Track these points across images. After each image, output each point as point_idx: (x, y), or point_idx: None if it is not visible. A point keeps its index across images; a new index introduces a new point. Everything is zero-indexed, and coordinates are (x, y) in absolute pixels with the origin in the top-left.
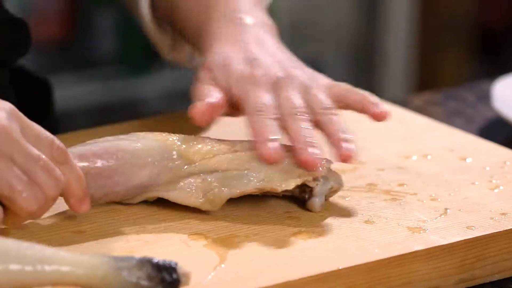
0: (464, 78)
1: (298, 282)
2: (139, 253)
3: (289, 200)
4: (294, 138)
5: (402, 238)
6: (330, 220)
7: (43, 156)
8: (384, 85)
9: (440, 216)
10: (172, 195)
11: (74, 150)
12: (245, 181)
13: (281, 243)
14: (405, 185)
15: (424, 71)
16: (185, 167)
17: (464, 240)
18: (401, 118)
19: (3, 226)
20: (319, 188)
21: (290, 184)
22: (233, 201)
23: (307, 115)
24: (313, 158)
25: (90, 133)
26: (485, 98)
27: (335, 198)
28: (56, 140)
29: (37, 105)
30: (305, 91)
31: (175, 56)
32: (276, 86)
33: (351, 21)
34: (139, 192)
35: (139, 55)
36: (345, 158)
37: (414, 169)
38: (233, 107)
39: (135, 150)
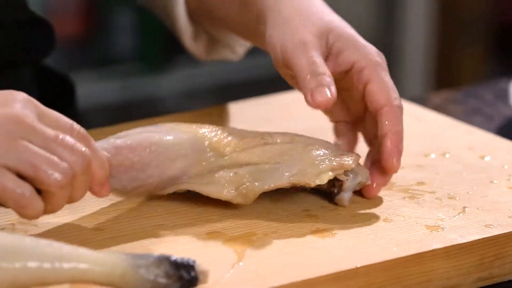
0: (482, 76)
1: (316, 280)
2: (157, 251)
3: (308, 197)
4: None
5: (421, 237)
6: (348, 218)
7: (62, 135)
8: (403, 83)
9: (458, 214)
10: (204, 189)
11: (105, 144)
12: (278, 175)
13: (299, 241)
14: (423, 184)
15: (443, 69)
16: (216, 160)
17: (483, 238)
18: (419, 116)
19: (47, 214)
20: (349, 183)
21: (323, 179)
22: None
23: None
24: None
25: (108, 131)
26: (504, 96)
27: (354, 196)
28: (76, 124)
29: (60, 103)
30: None
31: (211, 56)
32: None
33: (370, 19)
34: (170, 184)
35: (158, 53)
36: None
37: (432, 168)
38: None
39: (167, 143)
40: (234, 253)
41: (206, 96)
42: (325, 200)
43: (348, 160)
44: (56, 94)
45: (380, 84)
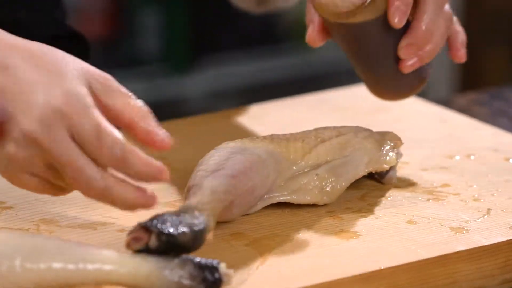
0: (508, 77)
1: (340, 281)
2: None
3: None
4: None
5: (445, 238)
6: (372, 220)
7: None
8: (428, 84)
9: (483, 216)
10: (294, 198)
11: (222, 181)
12: (353, 167)
13: (323, 243)
14: (448, 185)
15: (468, 71)
16: (292, 167)
17: (507, 240)
18: (445, 118)
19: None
20: (397, 162)
21: (393, 159)
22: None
23: None
24: None
25: None
26: None
27: (378, 198)
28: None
29: None
30: None
31: (263, 6)
32: None
33: None
34: (259, 201)
35: (183, 54)
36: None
37: (457, 169)
38: None
39: (260, 160)
40: (258, 254)
41: (231, 97)
42: (349, 202)
43: (396, 137)
44: None
45: None
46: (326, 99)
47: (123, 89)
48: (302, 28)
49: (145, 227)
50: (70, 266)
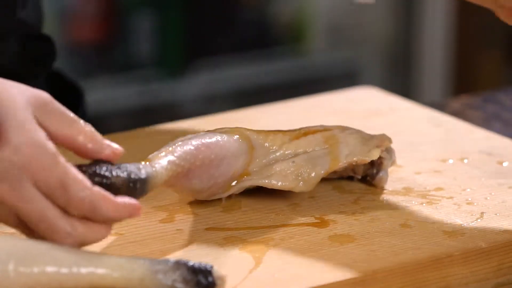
0: (501, 81)
1: (334, 285)
2: (175, 256)
3: (325, 202)
4: None
5: (438, 242)
6: (366, 224)
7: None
8: (422, 88)
9: (476, 220)
10: (267, 182)
11: (184, 145)
12: (333, 157)
13: (317, 246)
14: (441, 189)
15: (462, 74)
16: (270, 154)
17: (501, 244)
18: (438, 121)
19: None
20: (387, 161)
21: (375, 154)
22: (269, 206)
23: None
24: None
25: (127, 136)
26: None
27: (371, 202)
28: (82, 122)
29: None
30: None
31: None
32: None
33: (389, 24)
34: (231, 182)
35: (177, 58)
36: None
37: (451, 173)
38: None
39: (231, 140)
40: (252, 258)
41: (226, 101)
42: (343, 205)
43: (385, 138)
44: (65, 102)
45: None
46: (320, 102)
47: (62, 111)
48: (296, 32)
49: (80, 169)
50: (64, 270)
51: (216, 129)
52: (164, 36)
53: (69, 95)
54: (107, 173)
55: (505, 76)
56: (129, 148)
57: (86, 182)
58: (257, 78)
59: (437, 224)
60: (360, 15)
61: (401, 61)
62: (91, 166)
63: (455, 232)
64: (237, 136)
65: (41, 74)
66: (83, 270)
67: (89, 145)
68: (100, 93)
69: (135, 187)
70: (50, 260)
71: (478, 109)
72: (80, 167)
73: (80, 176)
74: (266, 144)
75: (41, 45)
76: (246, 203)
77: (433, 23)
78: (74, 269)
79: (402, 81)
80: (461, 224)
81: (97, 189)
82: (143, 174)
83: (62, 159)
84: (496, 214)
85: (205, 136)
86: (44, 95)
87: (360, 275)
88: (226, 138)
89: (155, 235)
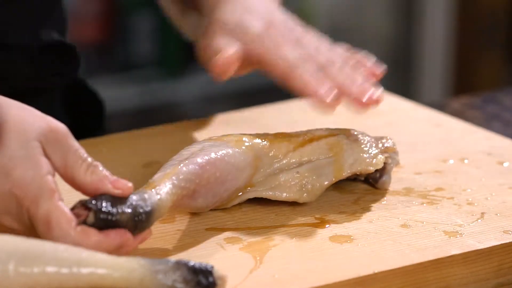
0: (501, 81)
1: (334, 285)
2: (176, 256)
3: (325, 203)
4: (342, 84)
5: (439, 242)
6: (366, 224)
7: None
8: (422, 88)
9: (477, 220)
10: (271, 194)
11: (189, 165)
12: (337, 167)
13: (317, 247)
14: (442, 189)
15: (462, 75)
16: (274, 164)
17: (501, 244)
18: (438, 121)
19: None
20: (391, 165)
21: (380, 162)
22: (269, 206)
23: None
24: (376, 97)
25: (127, 136)
26: None
27: (372, 202)
28: (90, 159)
29: (91, 122)
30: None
31: (183, 24)
32: (299, 41)
33: (389, 25)
34: (236, 195)
35: (177, 58)
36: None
37: (451, 173)
38: (244, 63)
39: (236, 154)
40: (252, 258)
41: (225, 101)
42: (343, 206)
43: (390, 143)
44: (86, 113)
45: None
46: None
47: (76, 148)
48: None
49: (84, 205)
50: (64, 270)
51: (220, 137)
52: (164, 36)
53: (91, 106)
54: (112, 210)
55: (505, 77)
56: (129, 148)
57: (67, 225)
58: (257, 78)
59: (438, 224)
60: (360, 16)
61: (401, 61)
62: (96, 202)
63: (455, 232)
64: (242, 147)
65: (58, 85)
66: (83, 270)
67: (97, 185)
68: (100, 93)
69: (140, 221)
70: (50, 260)
71: (478, 109)
72: (83, 204)
73: (64, 215)
74: (271, 154)
75: (61, 55)
76: (246, 203)
77: (433, 24)
78: (74, 269)
79: (402, 81)
80: (462, 224)
81: (80, 229)
82: (148, 206)
83: (54, 198)
84: (496, 214)
85: (210, 152)
86: (60, 129)
87: (360, 276)
88: (230, 152)
89: (155, 235)
